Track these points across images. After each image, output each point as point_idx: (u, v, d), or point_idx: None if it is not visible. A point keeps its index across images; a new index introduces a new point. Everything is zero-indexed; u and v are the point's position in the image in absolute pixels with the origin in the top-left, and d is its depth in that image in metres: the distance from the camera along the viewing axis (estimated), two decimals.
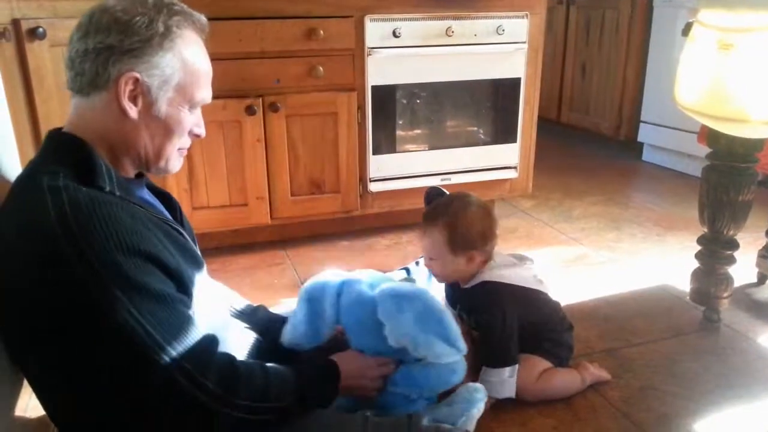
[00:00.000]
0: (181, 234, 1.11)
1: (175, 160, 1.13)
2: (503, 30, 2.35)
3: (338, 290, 1.35)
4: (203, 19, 1.10)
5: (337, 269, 1.42)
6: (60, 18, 1.72)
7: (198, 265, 1.12)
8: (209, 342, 1.02)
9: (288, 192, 2.26)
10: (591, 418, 1.41)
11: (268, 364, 1.11)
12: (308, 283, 1.38)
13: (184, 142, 1.12)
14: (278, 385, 1.08)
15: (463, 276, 1.50)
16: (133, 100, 1.02)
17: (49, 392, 1.06)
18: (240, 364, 1.05)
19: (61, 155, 1.01)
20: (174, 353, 0.93)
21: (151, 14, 1.01)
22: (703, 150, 1.76)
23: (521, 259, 1.58)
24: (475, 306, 1.48)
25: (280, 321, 1.42)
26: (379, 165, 2.36)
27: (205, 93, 1.10)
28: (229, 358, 1.04)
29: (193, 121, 1.11)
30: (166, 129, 1.07)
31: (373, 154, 2.34)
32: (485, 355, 1.44)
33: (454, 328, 1.26)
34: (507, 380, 1.41)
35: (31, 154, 1.67)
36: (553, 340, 1.52)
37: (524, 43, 2.41)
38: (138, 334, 0.90)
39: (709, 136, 1.65)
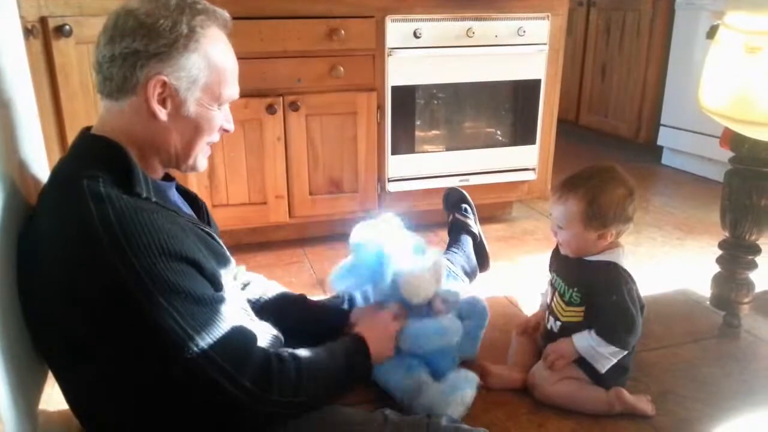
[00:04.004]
0: (210, 235, 1.13)
1: (203, 158, 1.15)
2: (524, 31, 2.34)
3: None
4: (226, 14, 1.11)
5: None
6: (86, 16, 1.74)
7: (226, 265, 1.15)
8: (247, 340, 1.07)
9: (307, 191, 2.27)
10: (610, 422, 1.40)
11: (302, 355, 1.15)
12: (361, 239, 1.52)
13: (213, 137, 1.14)
14: (312, 377, 1.13)
15: (585, 251, 1.44)
16: (162, 102, 1.04)
17: (78, 389, 1.08)
18: (275, 363, 1.09)
19: (99, 159, 1.02)
20: (213, 354, 0.99)
21: (174, 16, 1.02)
22: (724, 154, 1.75)
23: None
24: (596, 282, 1.42)
25: (293, 299, 1.53)
26: (398, 165, 2.37)
27: (232, 90, 1.12)
28: (266, 356, 1.08)
29: (222, 117, 1.13)
30: (196, 128, 1.09)
31: (392, 154, 2.34)
32: (602, 325, 1.40)
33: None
34: (606, 356, 1.39)
35: (56, 150, 1.70)
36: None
37: (545, 44, 2.40)
38: (180, 336, 0.96)
39: (732, 139, 1.64)
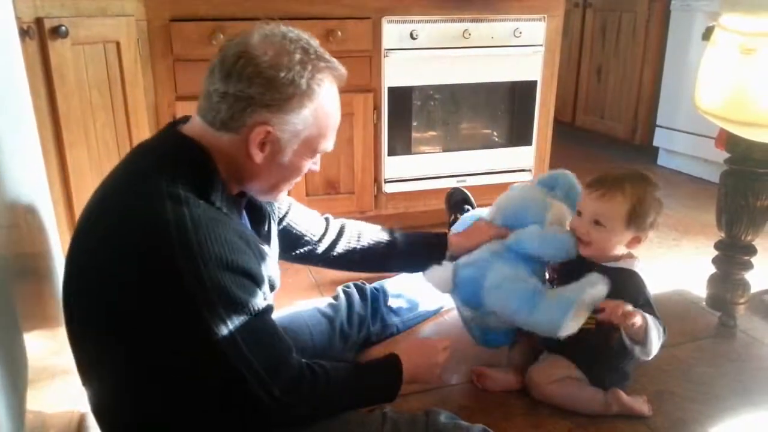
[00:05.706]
0: (265, 255, 1.12)
1: (284, 195, 1.18)
2: (520, 33, 2.35)
3: None
4: (343, 69, 1.12)
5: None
6: (82, 17, 1.74)
7: (271, 282, 1.14)
8: (285, 349, 1.09)
9: (303, 192, 2.27)
10: (606, 422, 1.41)
11: (333, 373, 1.15)
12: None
13: (298, 179, 1.16)
14: (340, 392, 1.16)
15: (608, 253, 1.44)
16: (261, 146, 1.04)
17: (104, 389, 1.07)
18: (307, 375, 1.11)
19: (183, 161, 1.02)
20: (255, 363, 1.01)
21: (296, 69, 1.02)
22: (719, 155, 1.76)
23: None
24: (622, 287, 1.39)
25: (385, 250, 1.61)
26: (394, 166, 2.37)
27: (329, 143, 1.14)
28: (300, 367, 1.10)
29: (311, 163, 1.14)
30: (285, 174, 1.12)
31: (389, 155, 2.35)
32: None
33: None
34: (657, 339, 1.37)
35: (52, 150, 1.69)
36: (606, 363, 1.45)
37: (541, 46, 2.41)
38: (231, 347, 0.97)
39: (728, 140, 1.65)
